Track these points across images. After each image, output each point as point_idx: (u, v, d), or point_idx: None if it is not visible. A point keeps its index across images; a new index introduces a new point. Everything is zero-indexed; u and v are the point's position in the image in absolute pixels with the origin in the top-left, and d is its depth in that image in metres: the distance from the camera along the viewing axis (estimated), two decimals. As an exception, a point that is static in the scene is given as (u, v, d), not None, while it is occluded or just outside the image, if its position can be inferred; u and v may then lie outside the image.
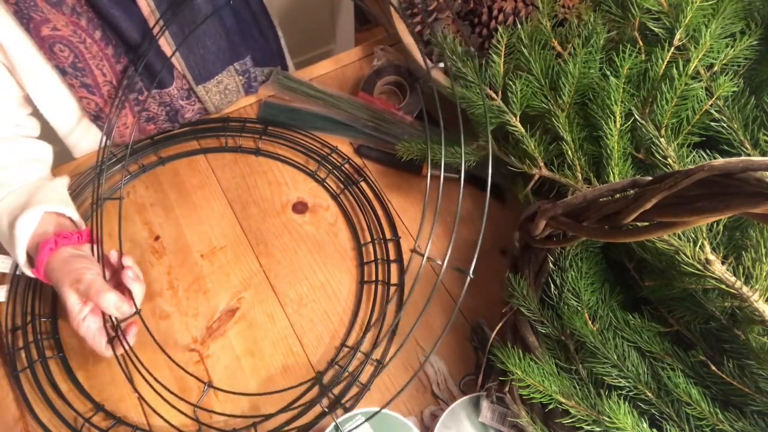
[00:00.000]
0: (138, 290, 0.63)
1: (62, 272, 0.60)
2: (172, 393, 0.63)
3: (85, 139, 0.79)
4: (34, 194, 0.65)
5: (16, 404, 0.63)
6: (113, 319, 0.62)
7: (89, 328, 0.60)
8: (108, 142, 0.72)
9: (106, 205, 0.72)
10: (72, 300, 0.59)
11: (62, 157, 0.78)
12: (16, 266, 0.70)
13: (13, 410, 0.63)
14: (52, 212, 0.65)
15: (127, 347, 0.62)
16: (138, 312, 0.63)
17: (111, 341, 0.61)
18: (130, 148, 0.75)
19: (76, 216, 0.67)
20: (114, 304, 0.58)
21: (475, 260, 0.59)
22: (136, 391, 0.63)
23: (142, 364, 0.63)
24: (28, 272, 0.63)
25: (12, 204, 0.65)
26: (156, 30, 0.68)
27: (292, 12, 1.38)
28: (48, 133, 0.75)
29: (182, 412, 0.62)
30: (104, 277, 0.63)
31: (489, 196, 0.60)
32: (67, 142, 0.79)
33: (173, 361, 0.64)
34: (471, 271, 0.59)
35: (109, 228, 0.71)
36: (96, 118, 0.72)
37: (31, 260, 0.64)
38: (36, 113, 0.73)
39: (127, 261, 0.64)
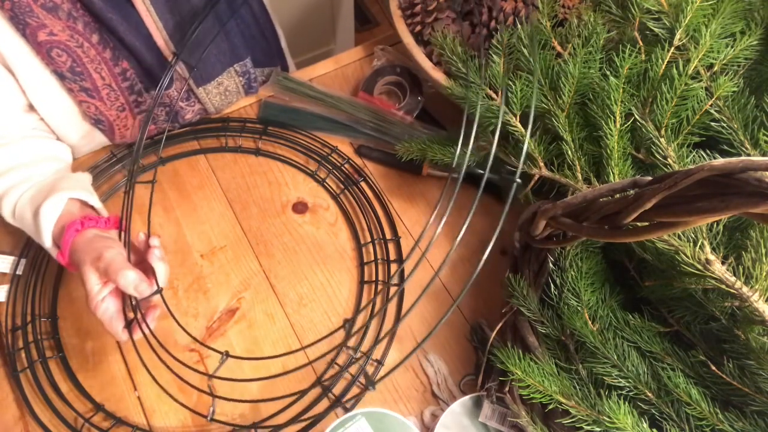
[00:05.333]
0: (162, 270, 0.60)
1: (85, 252, 0.58)
2: (185, 377, 0.62)
3: (87, 143, 0.78)
4: (58, 183, 0.64)
5: (16, 404, 0.63)
6: (132, 301, 0.58)
7: (107, 309, 0.57)
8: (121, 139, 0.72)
9: (115, 199, 0.73)
10: (92, 279, 0.56)
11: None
12: (16, 266, 0.70)
13: (13, 410, 0.63)
14: (75, 200, 0.63)
15: (147, 331, 0.58)
16: (160, 291, 0.59)
17: (129, 325, 0.58)
18: (130, 149, 0.75)
19: (99, 205, 0.65)
20: (133, 282, 0.55)
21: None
22: (155, 374, 0.61)
23: (163, 347, 0.61)
24: (55, 255, 0.62)
25: (35, 193, 0.64)
26: (155, 32, 0.69)
27: (292, 12, 1.38)
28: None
29: (191, 404, 0.62)
30: (129, 259, 0.60)
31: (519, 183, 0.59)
32: (68, 146, 0.79)
33: (192, 336, 0.64)
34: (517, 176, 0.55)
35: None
36: (96, 121, 0.72)
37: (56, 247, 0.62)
38: None
39: (154, 241, 0.62)
